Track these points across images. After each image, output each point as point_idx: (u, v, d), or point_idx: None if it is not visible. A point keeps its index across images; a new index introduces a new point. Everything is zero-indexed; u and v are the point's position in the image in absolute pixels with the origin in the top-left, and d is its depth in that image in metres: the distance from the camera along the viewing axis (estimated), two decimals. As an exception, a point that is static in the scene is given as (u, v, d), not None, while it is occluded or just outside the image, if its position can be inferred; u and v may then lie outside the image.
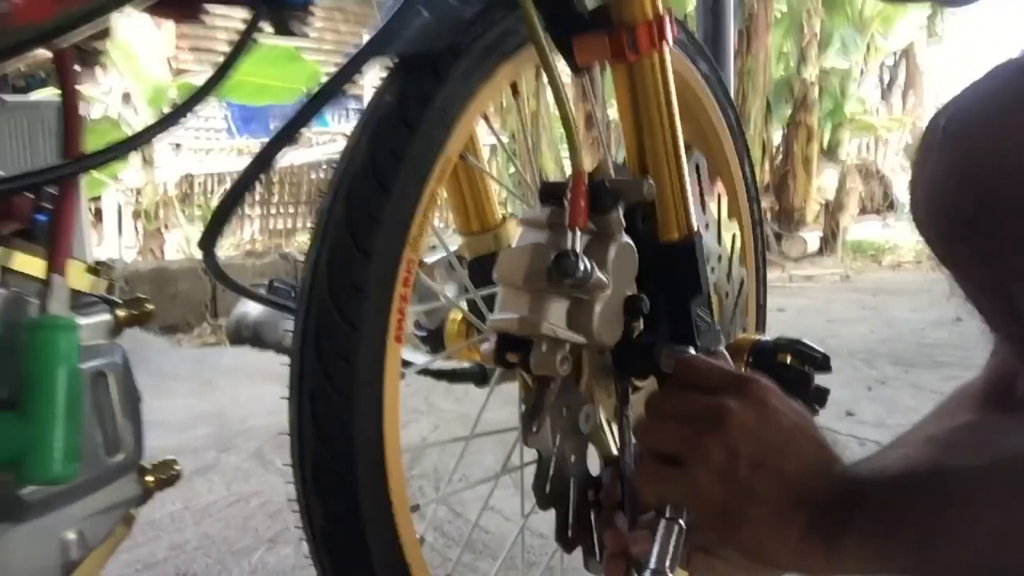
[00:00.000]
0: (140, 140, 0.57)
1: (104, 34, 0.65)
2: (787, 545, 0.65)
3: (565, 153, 6.32)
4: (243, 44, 0.62)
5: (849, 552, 0.63)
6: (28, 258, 0.61)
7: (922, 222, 0.71)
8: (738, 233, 1.01)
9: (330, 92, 0.67)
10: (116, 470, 0.63)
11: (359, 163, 0.74)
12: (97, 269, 0.64)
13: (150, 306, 0.65)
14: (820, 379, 0.86)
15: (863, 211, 8.04)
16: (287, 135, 0.68)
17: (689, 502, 0.70)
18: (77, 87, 0.59)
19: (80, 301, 0.62)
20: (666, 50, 0.80)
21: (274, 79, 4.90)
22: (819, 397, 0.84)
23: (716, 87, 1.09)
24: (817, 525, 0.64)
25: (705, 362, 0.76)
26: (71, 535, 0.61)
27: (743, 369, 0.86)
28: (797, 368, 0.83)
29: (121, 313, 0.64)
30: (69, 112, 0.58)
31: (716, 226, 0.96)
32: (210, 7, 0.60)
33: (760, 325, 1.19)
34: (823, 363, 0.83)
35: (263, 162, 0.69)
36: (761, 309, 1.20)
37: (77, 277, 0.61)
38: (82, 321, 0.58)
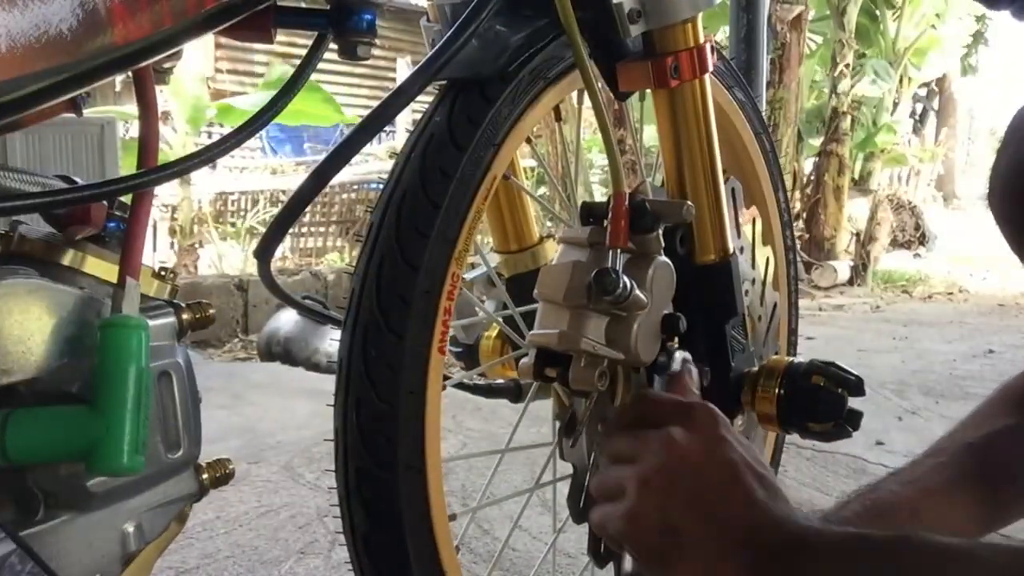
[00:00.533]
0: (211, 154, 0.61)
1: (175, 54, 0.69)
2: None
3: (594, 178, 6.35)
4: (307, 65, 0.65)
5: None
6: (99, 262, 0.64)
7: (997, 207, 0.72)
8: (771, 258, 1.03)
9: (386, 114, 0.69)
10: (175, 466, 0.66)
11: (409, 179, 0.77)
12: (163, 275, 0.68)
13: (211, 310, 0.69)
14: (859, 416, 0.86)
15: (894, 242, 7.97)
16: (343, 155, 0.71)
17: (628, 540, 0.66)
18: (154, 104, 0.63)
19: (147, 304, 0.65)
20: (706, 77, 0.82)
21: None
22: (853, 419, 0.84)
23: (752, 114, 1.11)
24: (758, 570, 0.61)
25: (657, 394, 0.75)
26: (130, 527, 0.64)
27: (776, 391, 0.86)
28: (831, 390, 0.83)
29: (185, 316, 0.67)
30: (148, 127, 0.62)
31: (751, 250, 0.98)
32: (281, 29, 0.63)
33: (791, 349, 1.20)
34: (857, 386, 0.83)
35: (320, 179, 0.72)
36: (793, 333, 1.21)
37: (145, 281, 0.65)
38: (150, 322, 0.61)
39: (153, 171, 0.57)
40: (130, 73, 0.60)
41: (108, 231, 0.66)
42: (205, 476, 0.69)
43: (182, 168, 0.57)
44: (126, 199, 0.64)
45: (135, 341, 0.58)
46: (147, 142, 0.62)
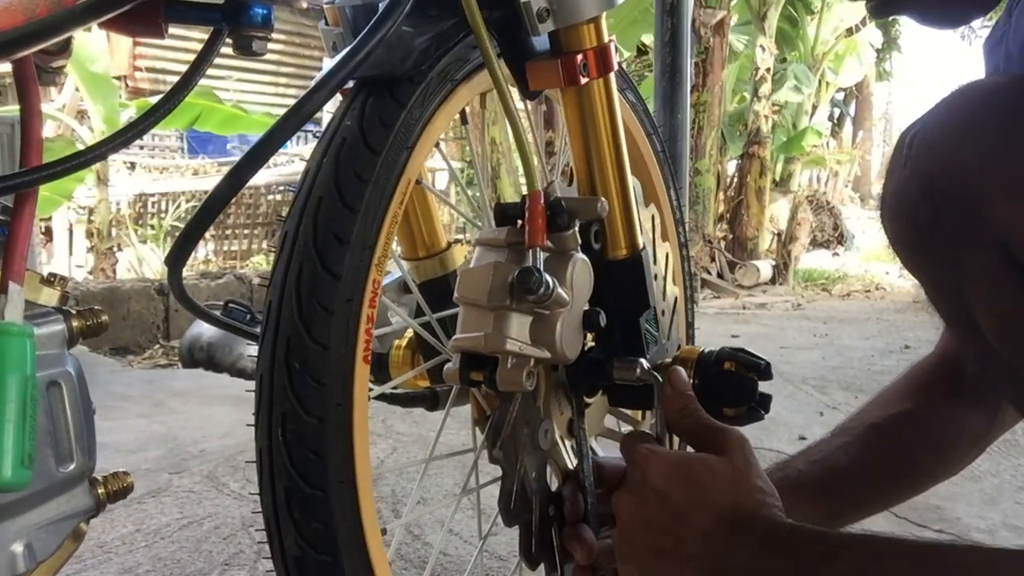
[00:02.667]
0: (96, 154, 0.58)
1: (65, 51, 0.66)
2: None
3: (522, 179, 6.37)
4: (201, 62, 0.63)
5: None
6: (-19, 267, 0.61)
7: (888, 230, 0.75)
8: (670, 254, 1.04)
9: (301, 114, 0.67)
10: (68, 480, 0.62)
11: (323, 185, 0.74)
12: (51, 280, 0.64)
13: (104, 317, 0.65)
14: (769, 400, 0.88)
15: (814, 241, 8.23)
16: (259, 157, 0.68)
17: (620, 557, 0.75)
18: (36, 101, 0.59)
19: (34, 311, 0.62)
20: (612, 75, 0.83)
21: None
22: (764, 402, 0.86)
23: (643, 115, 1.13)
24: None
25: (628, 445, 0.82)
26: (19, 547, 0.60)
27: (692, 380, 0.88)
28: (742, 375, 0.85)
29: (75, 323, 0.63)
30: (28, 124, 0.58)
31: (651, 247, 0.99)
32: (171, 25, 0.61)
33: (690, 343, 1.22)
34: (765, 370, 0.85)
35: (235, 183, 0.68)
36: (690, 327, 1.23)
37: (31, 287, 0.61)
38: (36, 330, 0.58)
39: (33, 171, 0.54)
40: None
41: (-9, 235, 0.62)
42: (102, 490, 0.65)
43: (64, 168, 0.54)
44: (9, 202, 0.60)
45: (18, 349, 0.54)
46: (29, 140, 0.58)
